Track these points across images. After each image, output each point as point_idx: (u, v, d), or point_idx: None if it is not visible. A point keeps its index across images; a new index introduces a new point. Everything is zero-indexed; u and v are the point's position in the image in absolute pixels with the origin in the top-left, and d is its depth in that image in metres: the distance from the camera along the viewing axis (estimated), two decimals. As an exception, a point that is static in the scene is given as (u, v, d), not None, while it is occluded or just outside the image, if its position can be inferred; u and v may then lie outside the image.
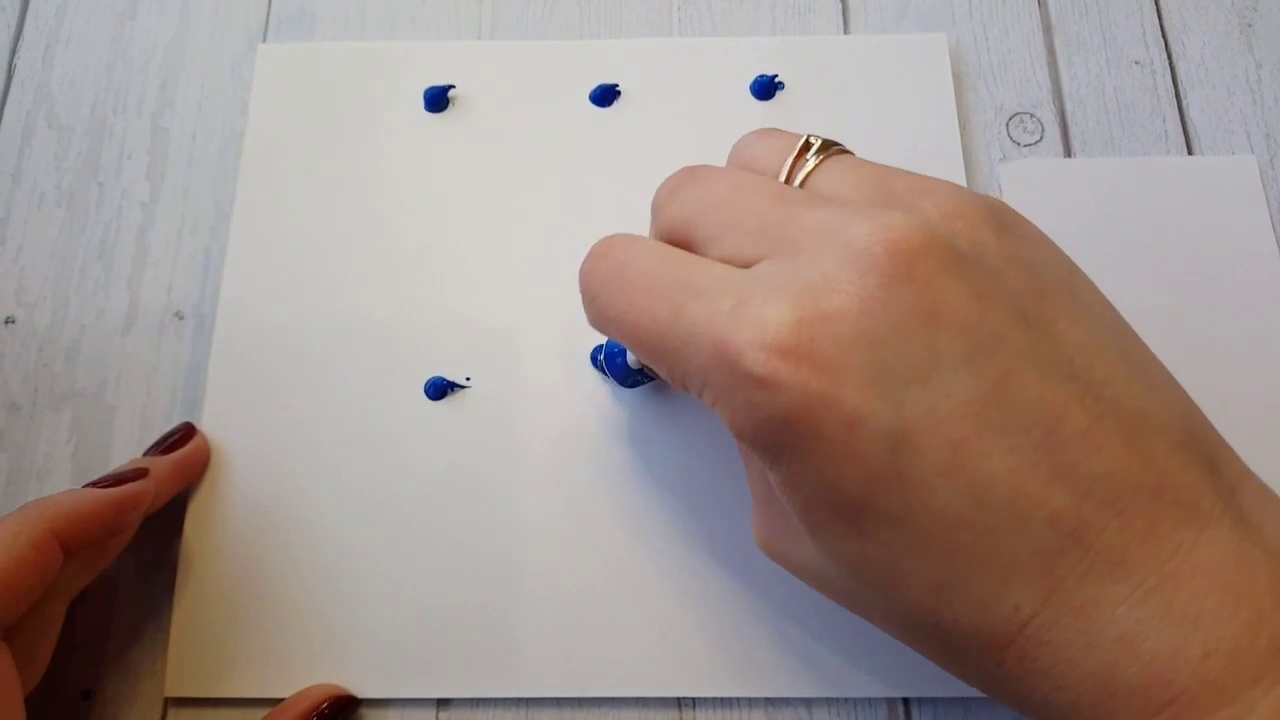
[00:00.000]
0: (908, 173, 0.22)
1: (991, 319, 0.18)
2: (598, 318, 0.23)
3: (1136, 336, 0.21)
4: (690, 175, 0.23)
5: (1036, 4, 0.37)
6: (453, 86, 0.34)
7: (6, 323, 0.33)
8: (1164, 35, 0.36)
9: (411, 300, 0.32)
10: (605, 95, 0.34)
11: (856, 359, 0.18)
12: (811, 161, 0.22)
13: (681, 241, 0.22)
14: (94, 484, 0.26)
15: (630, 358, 0.28)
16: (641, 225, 0.33)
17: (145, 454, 0.29)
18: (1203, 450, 0.19)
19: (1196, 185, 0.33)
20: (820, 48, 0.35)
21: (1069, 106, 0.35)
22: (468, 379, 0.31)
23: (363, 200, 0.33)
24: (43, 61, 0.36)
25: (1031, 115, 0.35)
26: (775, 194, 0.21)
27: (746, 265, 0.20)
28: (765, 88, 0.34)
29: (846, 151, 0.23)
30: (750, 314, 0.19)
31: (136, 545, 0.28)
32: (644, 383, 0.30)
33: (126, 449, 0.31)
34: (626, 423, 0.30)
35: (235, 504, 0.30)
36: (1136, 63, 0.36)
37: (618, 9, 0.37)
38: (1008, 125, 0.35)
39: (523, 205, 0.33)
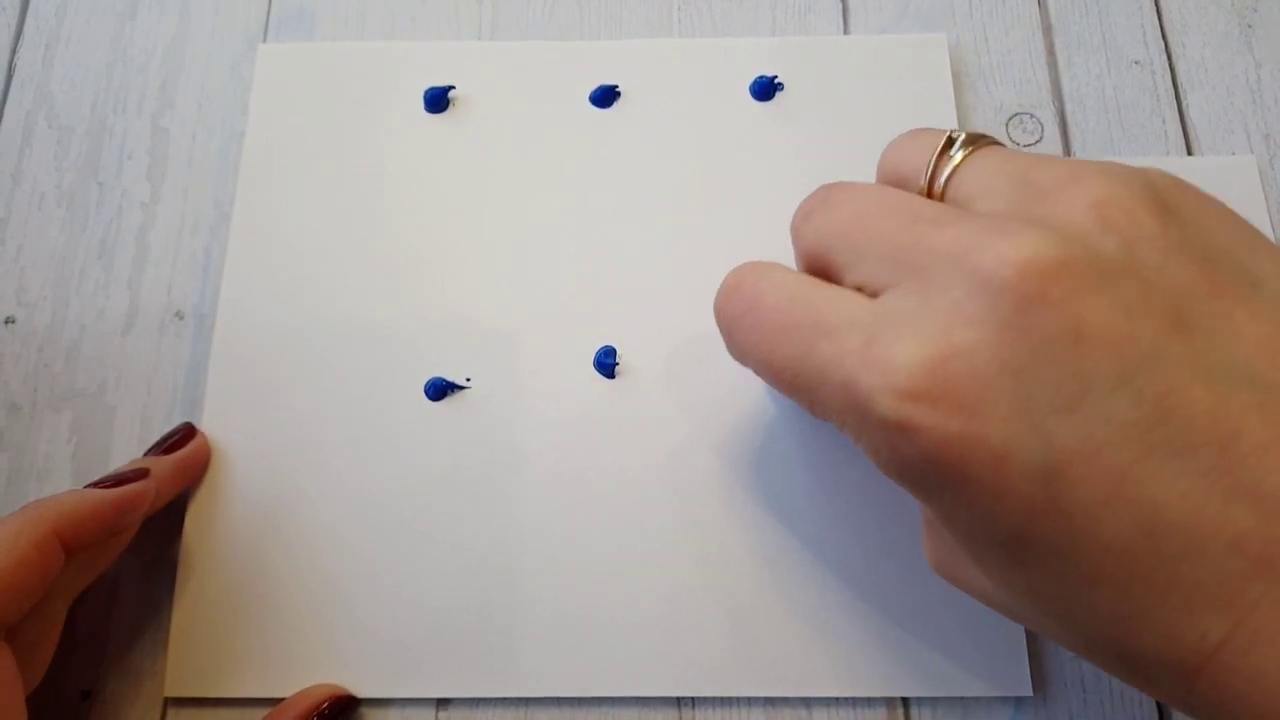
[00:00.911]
0: (1055, 160, 0.20)
1: (1146, 331, 0.17)
2: (735, 352, 0.22)
3: None
4: (824, 197, 0.22)
5: (1036, 4, 0.37)
6: (453, 87, 0.34)
7: (6, 323, 0.33)
8: (1164, 35, 0.36)
9: (411, 300, 0.32)
10: (605, 96, 0.34)
11: (997, 393, 0.17)
12: (957, 157, 0.21)
13: (820, 269, 0.21)
14: (95, 484, 0.26)
15: None
16: (641, 223, 0.33)
17: (145, 454, 0.29)
18: None
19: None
20: (820, 48, 0.35)
21: (1069, 107, 0.35)
22: (468, 379, 0.31)
23: (363, 200, 0.33)
24: (43, 61, 0.36)
25: (1031, 115, 0.35)
26: (906, 213, 0.20)
27: (876, 295, 0.19)
28: (765, 88, 0.34)
29: (996, 143, 0.22)
30: (877, 355, 0.18)
31: (137, 545, 0.28)
32: None
33: (127, 449, 0.31)
34: (626, 423, 0.30)
35: (235, 504, 0.30)
36: (1136, 63, 0.36)
37: (618, 9, 0.37)
38: (1007, 125, 0.35)
39: (523, 206, 0.33)
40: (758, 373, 0.22)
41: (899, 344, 0.18)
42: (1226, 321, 0.17)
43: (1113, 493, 0.17)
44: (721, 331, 0.23)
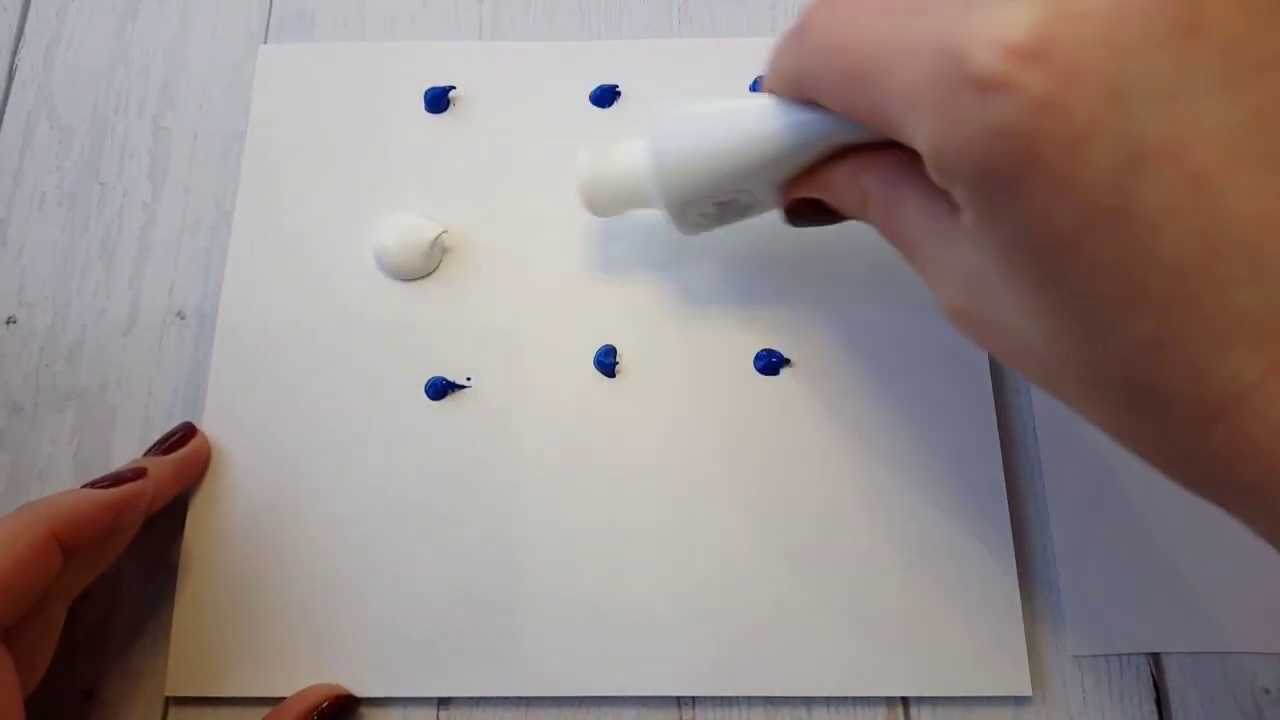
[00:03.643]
0: None
1: (1263, 39, 0.16)
2: (809, 50, 0.21)
3: None
4: None
5: (1036, 4, 0.37)
6: (453, 87, 0.34)
7: (8, 323, 0.33)
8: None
9: (412, 300, 0.32)
10: (605, 96, 0.34)
11: (1097, 65, 0.16)
12: None
13: None
14: (93, 484, 0.26)
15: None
16: (641, 221, 0.33)
17: (145, 454, 0.29)
18: None
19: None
20: (820, 48, 0.35)
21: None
22: (468, 379, 0.31)
23: (364, 200, 0.33)
24: (44, 62, 0.36)
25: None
26: None
27: None
28: (765, 88, 0.34)
29: None
30: (985, 12, 0.17)
31: (137, 545, 0.28)
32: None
33: (128, 449, 0.31)
34: (626, 423, 0.30)
35: (236, 504, 0.30)
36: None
37: (618, 9, 0.37)
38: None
39: (523, 205, 0.33)
40: (824, 67, 0.21)
41: (1009, 3, 0.17)
42: None
43: (1186, 199, 0.16)
44: (801, 30, 0.21)
